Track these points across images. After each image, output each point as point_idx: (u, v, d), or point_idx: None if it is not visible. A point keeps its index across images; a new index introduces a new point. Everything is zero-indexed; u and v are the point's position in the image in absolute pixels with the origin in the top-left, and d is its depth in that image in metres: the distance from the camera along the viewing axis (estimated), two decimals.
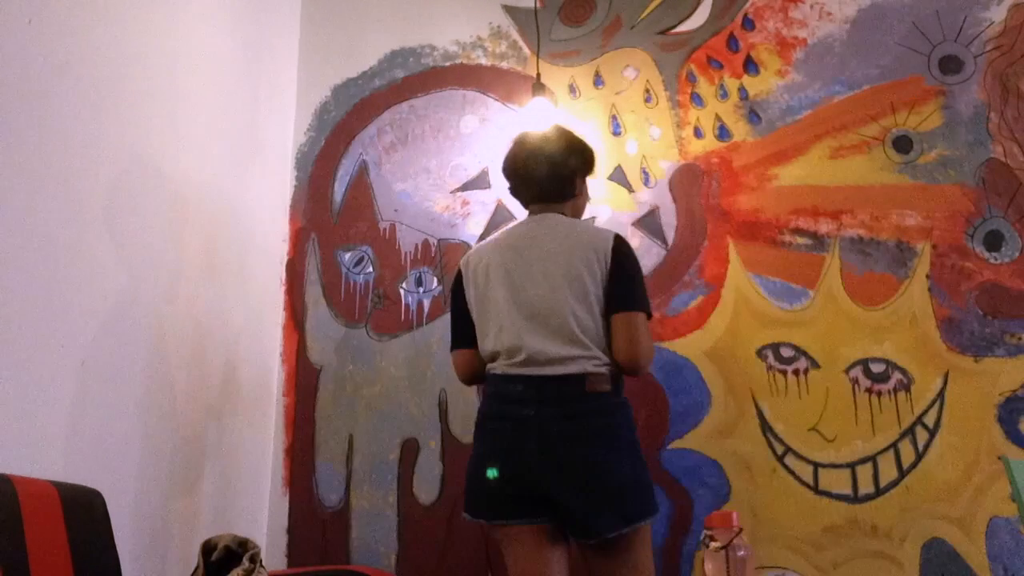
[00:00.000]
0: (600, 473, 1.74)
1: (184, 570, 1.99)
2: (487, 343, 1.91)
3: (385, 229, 2.88)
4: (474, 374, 1.99)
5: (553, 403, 1.78)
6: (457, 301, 2.01)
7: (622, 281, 1.87)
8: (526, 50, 2.91)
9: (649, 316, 1.89)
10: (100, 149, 1.94)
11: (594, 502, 1.73)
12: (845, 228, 2.53)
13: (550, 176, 2.00)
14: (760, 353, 2.50)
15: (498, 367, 1.87)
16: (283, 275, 2.91)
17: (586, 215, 2.51)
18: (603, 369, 1.81)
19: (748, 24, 2.76)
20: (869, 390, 2.41)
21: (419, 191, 2.88)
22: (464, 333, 1.98)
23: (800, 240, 2.56)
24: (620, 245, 1.91)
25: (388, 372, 2.75)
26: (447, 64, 2.97)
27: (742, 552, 1.63)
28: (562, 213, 2.01)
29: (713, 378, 2.51)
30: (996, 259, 2.42)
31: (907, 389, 2.39)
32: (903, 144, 2.55)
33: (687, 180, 2.68)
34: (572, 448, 1.75)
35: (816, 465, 2.40)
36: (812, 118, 2.63)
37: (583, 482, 1.74)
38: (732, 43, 2.75)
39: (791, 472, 2.41)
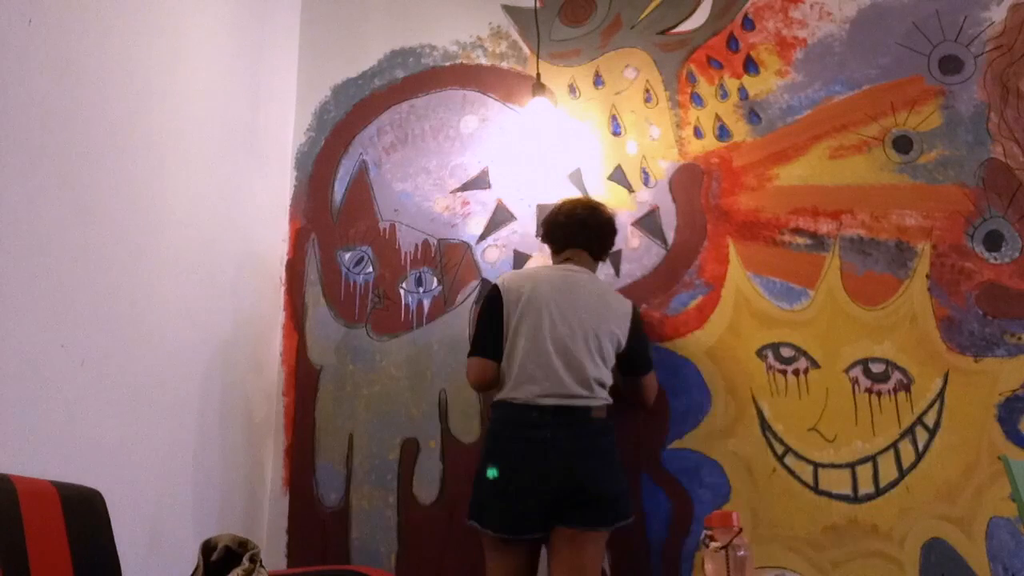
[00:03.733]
0: (599, 480, 2.11)
1: (184, 570, 1.99)
2: (512, 365, 2.19)
3: (385, 229, 2.87)
4: (489, 384, 2.26)
5: (565, 427, 2.12)
6: (493, 315, 2.26)
7: (641, 348, 2.34)
8: (526, 50, 2.91)
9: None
10: (99, 149, 1.94)
11: (593, 502, 2.09)
12: (845, 228, 2.53)
13: (604, 232, 2.38)
14: (760, 353, 2.50)
15: (519, 396, 2.16)
16: (283, 275, 2.91)
17: None
18: (602, 403, 2.19)
19: (748, 24, 2.75)
20: (869, 390, 2.41)
21: (419, 191, 2.88)
22: (494, 346, 2.24)
23: (800, 240, 2.56)
24: (636, 315, 2.33)
25: (388, 372, 2.75)
26: (447, 64, 2.97)
27: (742, 552, 1.63)
28: (590, 269, 2.35)
29: (713, 378, 2.51)
30: (996, 259, 2.42)
31: (907, 389, 2.39)
32: (903, 144, 2.55)
33: (687, 180, 2.68)
34: (581, 460, 2.10)
35: (816, 465, 2.40)
36: (812, 118, 2.63)
37: (586, 486, 2.08)
38: (732, 43, 2.75)
39: (791, 472, 2.41)
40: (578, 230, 2.36)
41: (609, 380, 2.23)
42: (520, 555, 2.14)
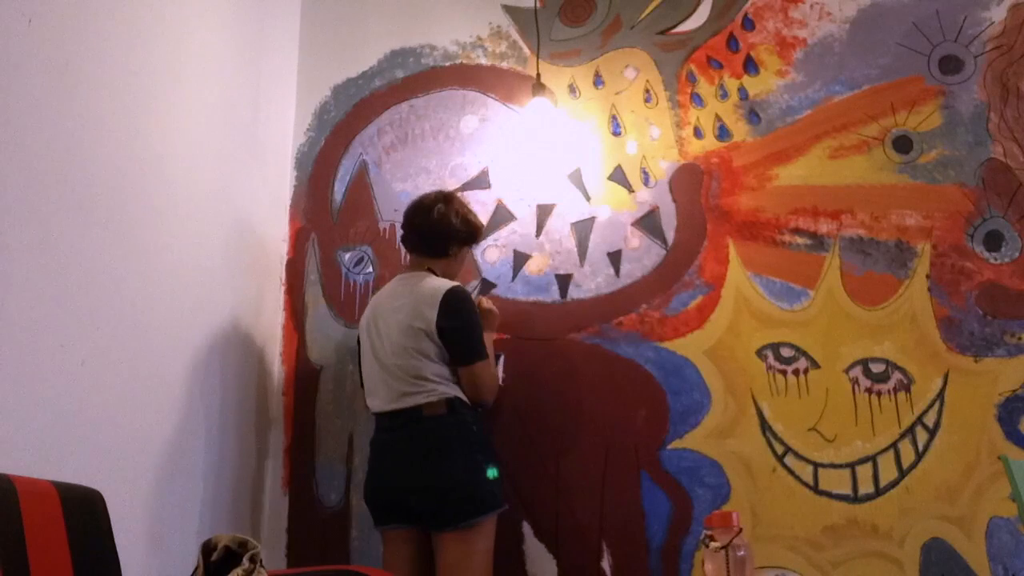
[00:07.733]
0: (434, 478, 2.17)
1: (184, 570, 1.99)
2: (366, 389, 2.38)
3: (385, 229, 2.87)
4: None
5: (401, 428, 2.24)
6: (357, 352, 2.48)
7: (453, 337, 2.25)
8: (526, 50, 2.91)
9: (485, 357, 2.30)
10: (100, 149, 1.94)
11: (432, 502, 2.17)
12: (845, 228, 2.53)
13: (431, 230, 2.36)
14: (760, 353, 2.50)
15: (372, 406, 2.34)
16: (283, 275, 2.90)
17: (584, 217, 2.72)
18: (435, 398, 2.22)
19: (748, 24, 2.76)
20: (869, 390, 2.41)
21: (419, 191, 2.86)
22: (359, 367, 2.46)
23: (800, 240, 2.56)
24: (448, 299, 2.26)
25: None
26: (447, 64, 2.97)
27: (742, 552, 1.63)
28: (432, 270, 2.36)
29: (713, 378, 2.51)
30: (996, 259, 2.42)
31: (907, 389, 2.39)
32: (903, 144, 2.55)
33: (687, 180, 2.68)
34: (414, 459, 2.21)
35: (816, 465, 2.40)
36: (812, 118, 2.63)
37: (422, 486, 2.18)
38: (732, 43, 2.75)
39: (791, 472, 2.41)
40: (408, 233, 2.44)
41: (442, 373, 2.25)
42: (392, 540, 2.29)
